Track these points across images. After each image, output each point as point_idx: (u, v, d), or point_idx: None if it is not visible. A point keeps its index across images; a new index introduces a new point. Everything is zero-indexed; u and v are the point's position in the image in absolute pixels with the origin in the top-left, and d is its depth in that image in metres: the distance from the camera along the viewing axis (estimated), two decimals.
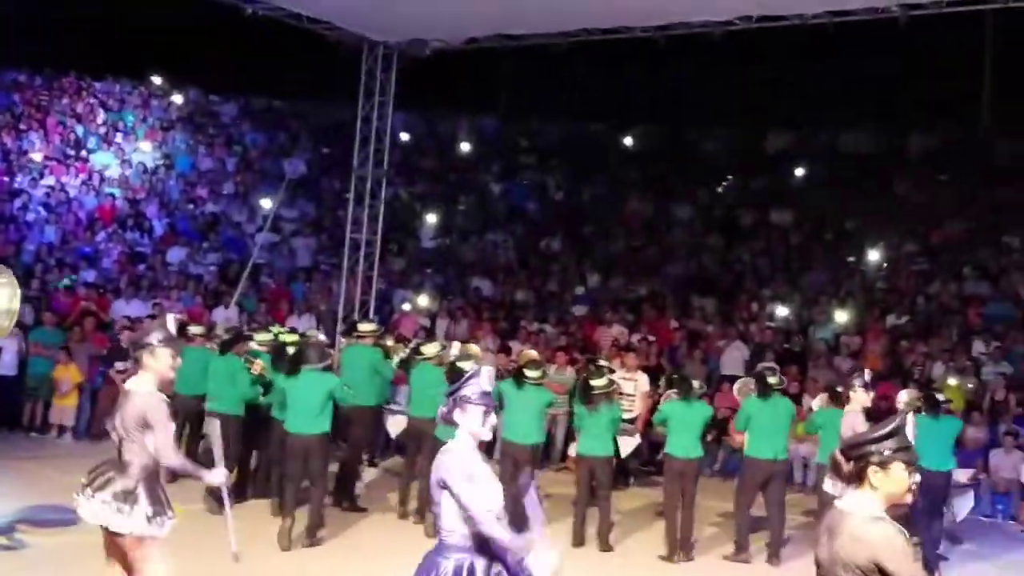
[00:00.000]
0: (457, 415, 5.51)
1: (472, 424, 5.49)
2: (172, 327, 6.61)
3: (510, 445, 11.43)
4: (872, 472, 4.49)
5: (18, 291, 8.71)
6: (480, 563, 5.33)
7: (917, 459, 4.60)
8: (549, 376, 14.77)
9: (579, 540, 11.24)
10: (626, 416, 13.60)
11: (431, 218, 25.97)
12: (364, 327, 13.20)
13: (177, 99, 29.47)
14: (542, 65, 24.00)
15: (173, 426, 6.46)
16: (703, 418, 11.32)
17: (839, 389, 11.72)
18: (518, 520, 5.59)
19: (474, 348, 12.94)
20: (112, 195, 23.78)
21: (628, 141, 29.88)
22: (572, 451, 15.56)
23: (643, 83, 27.83)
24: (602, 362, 13.80)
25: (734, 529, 11.49)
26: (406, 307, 20.76)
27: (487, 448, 11.67)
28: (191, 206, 24.77)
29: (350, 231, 19.57)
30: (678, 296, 21.31)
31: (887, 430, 4.53)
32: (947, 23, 15.89)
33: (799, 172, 27.11)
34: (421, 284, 22.26)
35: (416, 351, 12.64)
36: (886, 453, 4.49)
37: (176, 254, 21.97)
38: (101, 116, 27.47)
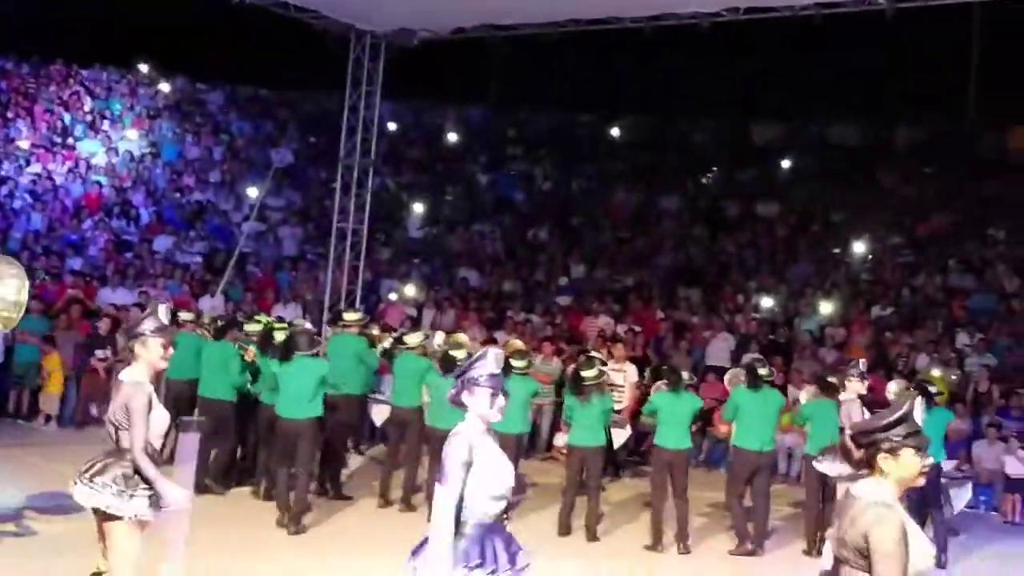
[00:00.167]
0: (465, 397, 5.51)
1: (480, 406, 5.50)
2: (164, 317, 6.54)
3: (497, 435, 11.42)
4: (882, 459, 4.52)
5: (27, 283, 8.77)
6: (496, 542, 5.32)
7: (927, 443, 4.63)
8: (535, 366, 14.84)
9: (565, 530, 11.26)
10: (615, 407, 13.61)
11: (418, 208, 25.96)
12: (349, 316, 13.24)
13: (164, 87, 29.39)
14: (531, 55, 23.96)
15: (165, 416, 6.42)
16: (692, 409, 11.33)
17: (830, 380, 11.74)
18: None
19: (463, 337, 12.97)
20: (98, 183, 23.72)
21: (616, 132, 29.94)
22: (558, 441, 15.65)
23: (632, 74, 27.85)
24: (595, 353, 13.83)
25: (731, 522, 11.48)
26: (392, 297, 20.77)
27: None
28: (178, 195, 24.71)
29: (336, 220, 19.55)
30: (664, 287, 21.34)
31: (896, 416, 4.56)
32: (934, 16, 15.96)
33: (786, 164, 27.18)
34: (408, 274, 22.26)
35: (399, 341, 12.70)
36: (896, 440, 4.51)
37: (162, 242, 21.93)
38: (88, 104, 27.38)
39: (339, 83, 19.53)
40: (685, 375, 11.68)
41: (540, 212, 26.51)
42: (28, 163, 23.99)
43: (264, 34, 22.96)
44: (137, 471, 6.19)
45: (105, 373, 15.66)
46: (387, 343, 13.21)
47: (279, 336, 11.51)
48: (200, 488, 11.76)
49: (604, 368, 12.31)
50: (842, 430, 10.24)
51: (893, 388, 12.22)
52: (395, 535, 10.73)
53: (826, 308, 19.56)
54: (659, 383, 12.74)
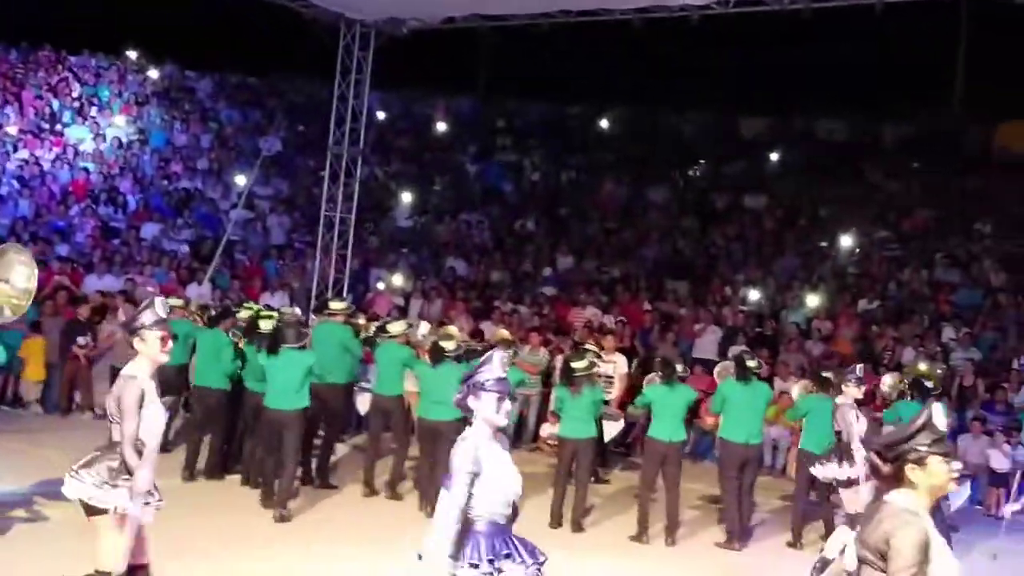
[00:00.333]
0: (472, 401, 5.50)
1: (486, 411, 5.48)
2: (162, 310, 6.50)
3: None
4: (910, 470, 4.52)
5: (35, 271, 8.82)
6: (504, 540, 5.35)
7: (952, 449, 4.66)
8: (522, 357, 14.88)
9: (557, 521, 11.26)
10: (605, 398, 13.64)
11: (406, 197, 25.95)
12: (335, 305, 13.29)
13: (153, 74, 29.30)
14: (521, 46, 23.98)
15: (161, 412, 6.40)
16: (686, 401, 11.35)
17: (825, 375, 11.75)
18: None
19: (453, 330, 12.99)
20: (86, 169, 23.65)
21: (605, 124, 29.98)
22: (544, 431, 15.67)
23: (622, 66, 27.85)
24: (589, 345, 13.85)
25: (719, 515, 11.55)
26: (380, 286, 20.77)
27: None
28: (165, 182, 24.65)
29: (325, 209, 19.56)
30: (652, 279, 21.37)
31: (917, 425, 4.56)
32: (921, 12, 16.00)
33: (774, 157, 27.25)
34: (396, 263, 22.25)
35: (382, 329, 12.73)
36: (922, 450, 4.51)
37: (150, 229, 21.88)
38: (76, 90, 27.29)
39: (328, 72, 19.52)
40: (679, 367, 11.71)
41: (528, 203, 26.52)
42: (16, 149, 23.90)
43: (254, 22, 22.92)
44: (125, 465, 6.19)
45: (87, 360, 15.65)
46: (370, 331, 13.24)
47: (265, 325, 11.53)
48: (190, 476, 11.86)
49: (595, 360, 12.32)
50: (839, 434, 10.33)
51: (888, 382, 12.27)
52: (380, 523, 10.86)
53: (813, 301, 19.62)
54: (652, 375, 12.76)
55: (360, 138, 19.58)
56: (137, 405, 6.19)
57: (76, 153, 24.33)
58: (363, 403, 13.99)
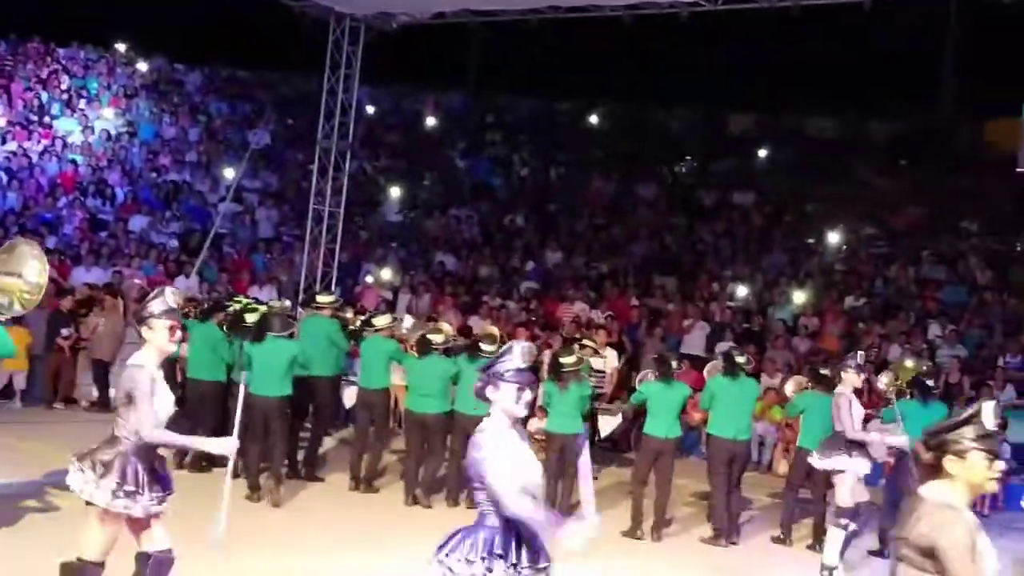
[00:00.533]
0: (490, 392, 5.43)
1: (506, 401, 5.40)
2: (172, 300, 6.47)
3: (462, 416, 11.56)
4: (948, 461, 4.42)
5: (47, 266, 8.86)
6: (519, 534, 5.27)
7: (998, 448, 4.52)
8: None
9: None
10: (597, 392, 13.67)
11: (395, 192, 25.96)
12: (323, 298, 13.32)
13: (142, 67, 29.24)
14: (510, 42, 24.00)
15: (170, 398, 6.34)
16: (682, 398, 11.30)
17: (823, 371, 11.75)
18: None
19: (446, 326, 13.02)
20: (74, 161, 23.60)
21: (595, 120, 30.02)
22: (531, 426, 15.69)
23: (611, 63, 27.88)
24: (587, 342, 13.86)
25: (708, 511, 11.53)
26: (369, 280, 20.78)
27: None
28: (154, 174, 24.61)
29: (313, 203, 19.56)
30: (640, 275, 21.42)
31: (963, 417, 4.46)
32: (910, 10, 16.05)
33: (762, 154, 27.30)
34: (384, 258, 22.26)
35: (367, 323, 12.76)
36: (964, 442, 4.41)
37: (138, 222, 21.85)
38: (65, 82, 27.22)
39: (318, 66, 19.50)
40: (674, 364, 11.71)
41: (518, 198, 26.56)
42: (4, 141, 23.82)
43: (243, 16, 22.88)
44: (118, 458, 6.13)
45: (70, 351, 15.64)
46: (356, 325, 13.28)
47: (250, 318, 11.59)
48: (178, 465, 11.87)
49: (591, 355, 12.32)
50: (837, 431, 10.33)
51: (884, 380, 12.27)
52: (366, 516, 10.89)
53: (800, 298, 19.68)
54: (646, 372, 12.75)
55: (349, 132, 19.59)
56: (150, 390, 6.16)
57: (64, 145, 24.28)
58: (349, 396, 14.04)
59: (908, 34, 23.30)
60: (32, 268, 8.63)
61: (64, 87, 26.97)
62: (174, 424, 6.55)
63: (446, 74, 31.19)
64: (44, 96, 26.10)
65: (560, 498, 11.22)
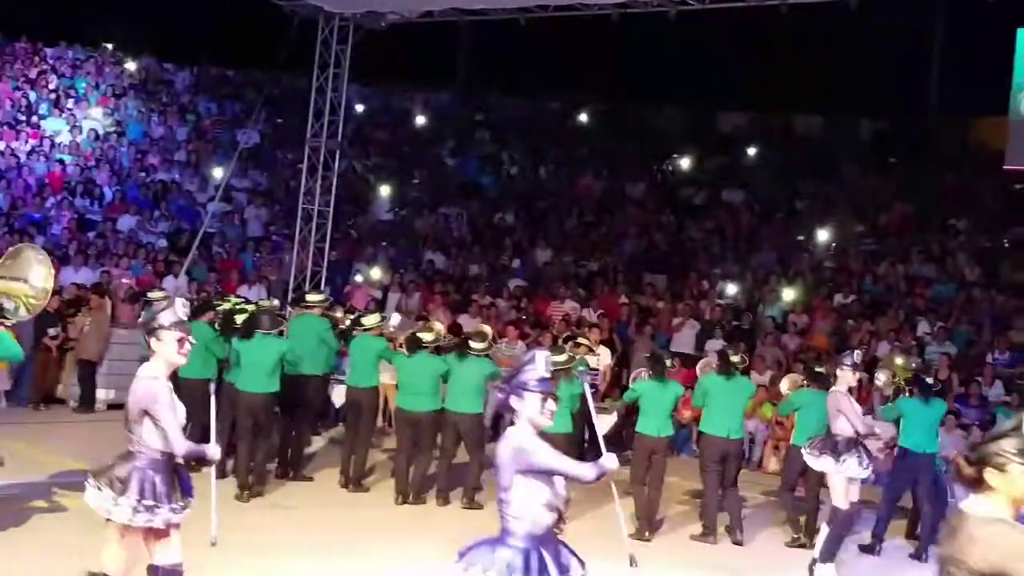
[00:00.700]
0: (515, 401, 5.41)
1: (530, 411, 5.39)
2: (182, 311, 6.42)
3: (452, 415, 11.57)
4: (989, 473, 4.30)
5: (52, 270, 8.90)
6: (541, 554, 5.26)
7: None
8: (500, 350, 14.91)
9: None
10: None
11: (384, 191, 25.94)
12: (312, 297, 13.37)
13: (131, 66, 29.18)
14: (499, 40, 23.99)
15: (181, 409, 6.30)
16: (675, 397, 11.29)
17: (819, 370, 11.74)
18: None
19: (438, 325, 13.02)
20: (62, 161, 23.54)
21: (584, 118, 30.04)
22: None
23: (600, 61, 27.87)
24: (582, 340, 13.87)
25: (701, 509, 11.51)
26: (358, 279, 20.77)
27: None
28: (143, 174, 24.56)
29: (302, 202, 19.55)
30: (629, 273, 21.44)
31: (1004, 429, 4.37)
32: (897, 9, 16.08)
33: (751, 152, 27.34)
34: (374, 257, 22.25)
35: (356, 322, 12.78)
36: (1005, 455, 4.28)
37: (126, 222, 21.80)
38: (53, 82, 27.14)
39: (307, 65, 19.49)
40: (668, 362, 11.69)
41: (507, 196, 26.55)
42: None
43: (232, 15, 22.85)
44: (133, 473, 6.09)
45: (56, 351, 15.61)
46: (345, 324, 13.29)
47: (240, 319, 11.63)
48: None
49: (578, 354, 12.29)
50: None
51: (882, 378, 12.28)
52: (352, 516, 10.87)
53: (789, 295, 19.71)
54: (640, 370, 12.74)
55: (338, 131, 19.60)
56: (171, 399, 6.14)
57: (53, 145, 24.21)
58: (338, 395, 14.05)
59: (895, 32, 23.31)
60: (38, 273, 8.70)
61: (52, 87, 26.89)
62: None
63: (435, 73, 31.19)
64: (32, 96, 26.03)
65: None
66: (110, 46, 29.50)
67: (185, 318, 6.39)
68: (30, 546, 8.67)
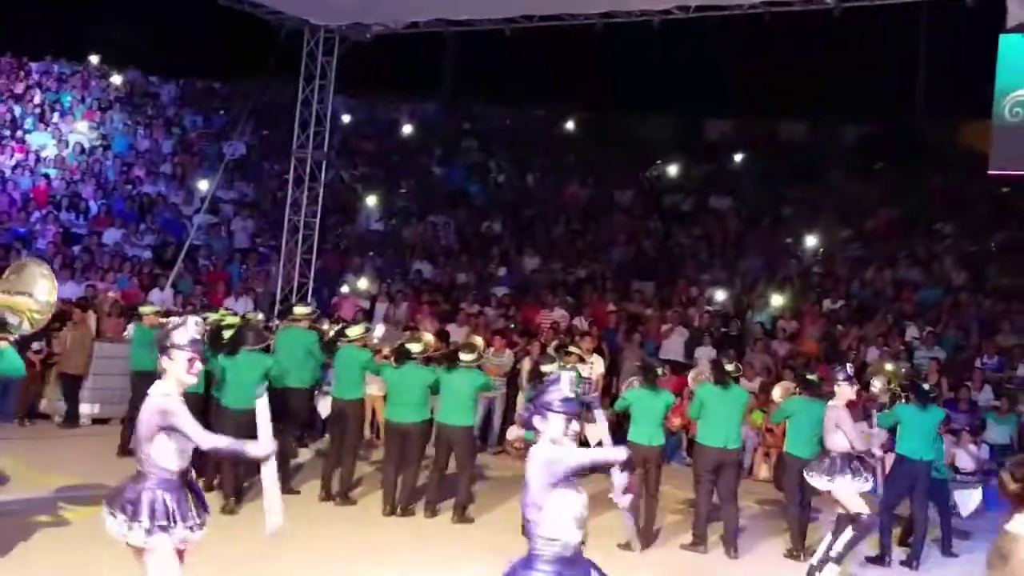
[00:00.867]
0: (538, 421, 5.42)
1: (554, 431, 5.38)
2: (195, 331, 6.35)
3: (443, 428, 11.53)
4: None
5: (56, 285, 8.88)
6: None
7: None
8: (488, 359, 14.87)
9: None
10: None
11: (372, 200, 25.93)
12: (299, 310, 13.33)
13: (116, 80, 29.15)
14: (485, 50, 24.00)
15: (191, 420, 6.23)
16: (666, 405, 11.24)
17: (811, 377, 11.70)
18: None
19: (428, 337, 12.99)
20: (47, 175, 23.49)
21: (570, 126, 30.08)
22: (510, 434, 15.68)
23: (585, 69, 27.90)
24: (573, 349, 13.82)
25: (693, 519, 11.42)
26: (345, 290, 20.74)
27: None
28: (128, 187, 24.51)
29: (289, 213, 19.52)
30: (618, 280, 21.43)
31: None
32: (881, 13, 16.11)
33: (738, 159, 27.39)
34: (362, 267, 22.23)
35: (341, 333, 12.75)
36: None
37: (112, 235, 21.73)
38: (38, 96, 27.10)
39: (293, 76, 19.47)
40: (659, 371, 11.63)
41: (494, 205, 26.56)
42: None
43: (218, 27, 22.84)
44: (143, 494, 6.02)
45: (40, 364, 15.54)
46: (330, 335, 13.27)
47: (227, 335, 11.59)
48: None
49: (570, 363, 12.25)
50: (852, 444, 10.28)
51: (877, 385, 12.25)
52: (339, 529, 10.81)
53: (777, 301, 19.72)
54: (631, 379, 12.70)
55: (324, 142, 19.58)
56: (181, 407, 6.09)
57: (38, 159, 24.16)
58: (325, 407, 14.02)
59: (879, 36, 23.38)
60: (42, 287, 8.72)
61: (37, 101, 26.85)
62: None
63: (421, 83, 31.26)
64: (17, 110, 25.98)
65: None
66: (95, 60, 29.47)
67: (199, 337, 6.33)
68: (20, 563, 8.62)
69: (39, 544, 9.21)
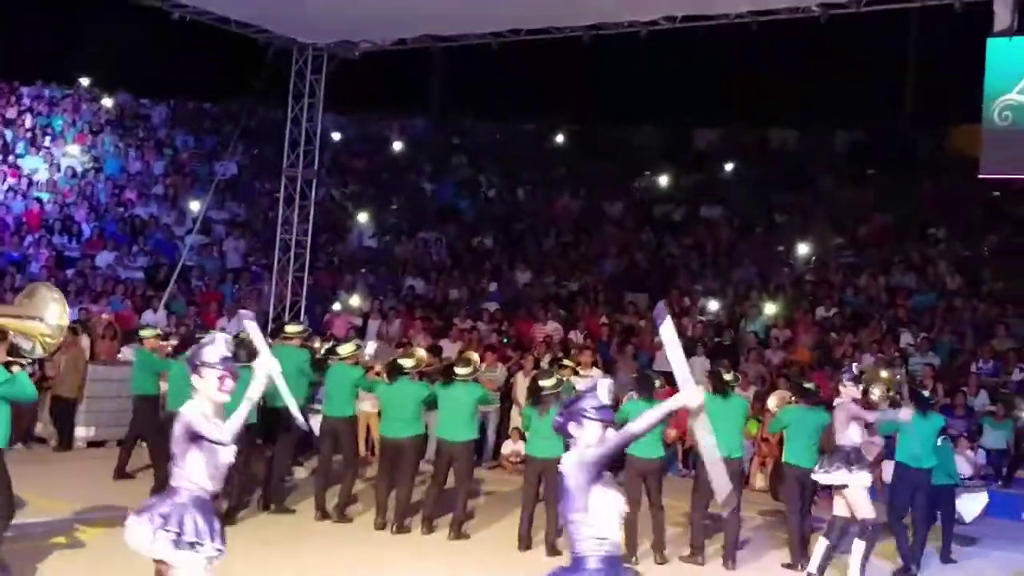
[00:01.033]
0: (573, 428, 5.41)
1: (589, 439, 5.38)
2: (225, 348, 6.32)
3: (443, 443, 11.46)
4: None
5: (67, 308, 8.90)
6: None
7: None
8: (482, 373, 14.82)
9: (526, 544, 10.93)
10: None
11: (363, 217, 25.93)
12: (291, 328, 13.25)
13: (107, 102, 29.18)
14: (472, 65, 24.04)
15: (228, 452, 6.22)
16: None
17: (807, 386, 11.65)
18: None
19: (421, 352, 12.95)
20: (39, 199, 23.49)
21: (559, 139, 30.12)
22: (505, 449, 15.66)
23: (574, 82, 27.96)
24: (567, 362, 13.78)
25: (691, 529, 11.33)
26: (337, 307, 20.72)
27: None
28: (120, 209, 24.52)
29: (280, 232, 19.51)
30: (610, 292, 21.42)
31: None
32: (871, 20, 16.12)
33: (728, 168, 27.42)
34: (354, 284, 22.21)
35: (332, 351, 12.72)
36: None
37: (105, 258, 21.74)
38: (29, 121, 27.12)
39: (283, 95, 19.48)
40: (657, 383, 11.56)
41: (485, 220, 26.57)
42: None
43: (207, 48, 22.86)
44: (174, 509, 5.99)
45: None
46: (320, 353, 13.25)
47: None
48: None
49: (564, 376, 12.19)
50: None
51: (877, 392, 12.22)
52: (332, 547, 10.74)
53: (771, 310, 19.71)
54: (630, 392, 12.65)
55: (315, 160, 19.57)
56: (207, 421, 6.05)
57: (30, 183, 24.18)
58: (317, 425, 13.97)
59: (869, 42, 23.43)
60: (53, 311, 8.70)
61: (28, 125, 26.87)
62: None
63: (409, 99, 31.35)
64: (8, 135, 25.99)
65: (548, 526, 10.97)
66: (86, 83, 29.51)
67: (230, 354, 6.29)
68: None
69: (54, 567, 9.19)
